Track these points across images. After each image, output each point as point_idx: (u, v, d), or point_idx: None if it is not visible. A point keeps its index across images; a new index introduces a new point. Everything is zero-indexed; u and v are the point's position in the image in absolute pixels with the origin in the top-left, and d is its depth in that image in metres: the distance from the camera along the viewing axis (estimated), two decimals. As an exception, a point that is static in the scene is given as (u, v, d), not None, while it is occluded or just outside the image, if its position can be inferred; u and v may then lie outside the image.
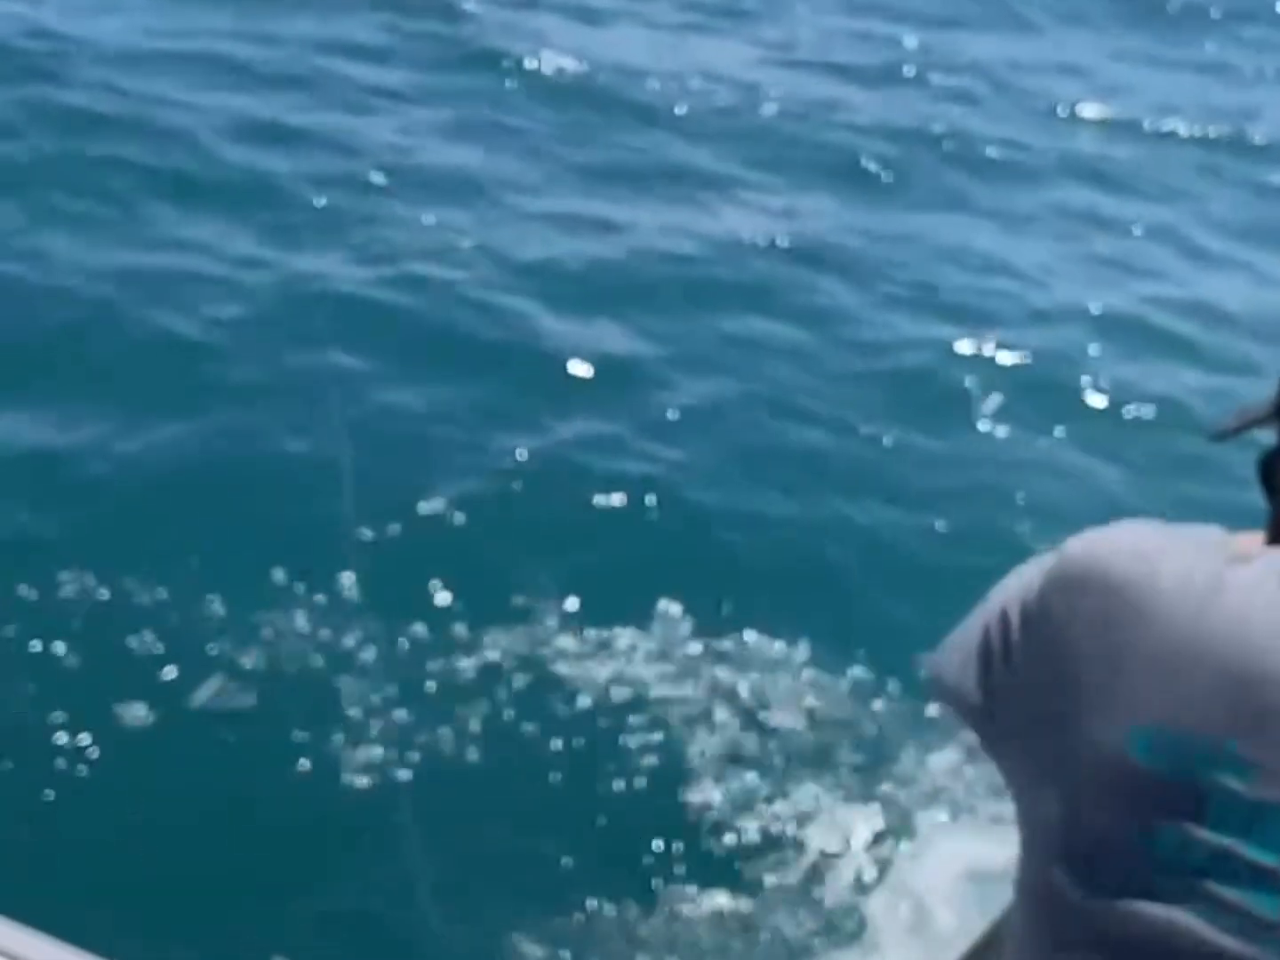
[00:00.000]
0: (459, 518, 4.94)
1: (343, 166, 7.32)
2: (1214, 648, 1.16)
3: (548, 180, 7.62)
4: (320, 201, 6.95)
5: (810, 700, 4.43)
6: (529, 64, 8.97)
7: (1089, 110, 9.67)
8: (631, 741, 4.23)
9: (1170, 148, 9.33)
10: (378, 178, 7.25)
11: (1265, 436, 1.39)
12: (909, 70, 10.10)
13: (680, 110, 8.75)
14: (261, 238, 6.52)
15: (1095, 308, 6.98)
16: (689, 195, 7.71)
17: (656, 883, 3.87)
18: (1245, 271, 7.60)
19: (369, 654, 4.38)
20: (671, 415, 5.68)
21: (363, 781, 3.99)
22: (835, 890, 3.88)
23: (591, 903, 3.79)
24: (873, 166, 8.33)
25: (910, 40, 10.67)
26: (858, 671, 4.55)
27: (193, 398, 5.42)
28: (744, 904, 3.84)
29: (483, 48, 9.17)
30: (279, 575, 4.57)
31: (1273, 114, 10.07)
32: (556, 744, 4.21)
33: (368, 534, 4.69)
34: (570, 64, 9.06)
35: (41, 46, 8.07)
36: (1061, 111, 9.65)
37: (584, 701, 4.32)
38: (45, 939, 1.61)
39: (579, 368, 5.88)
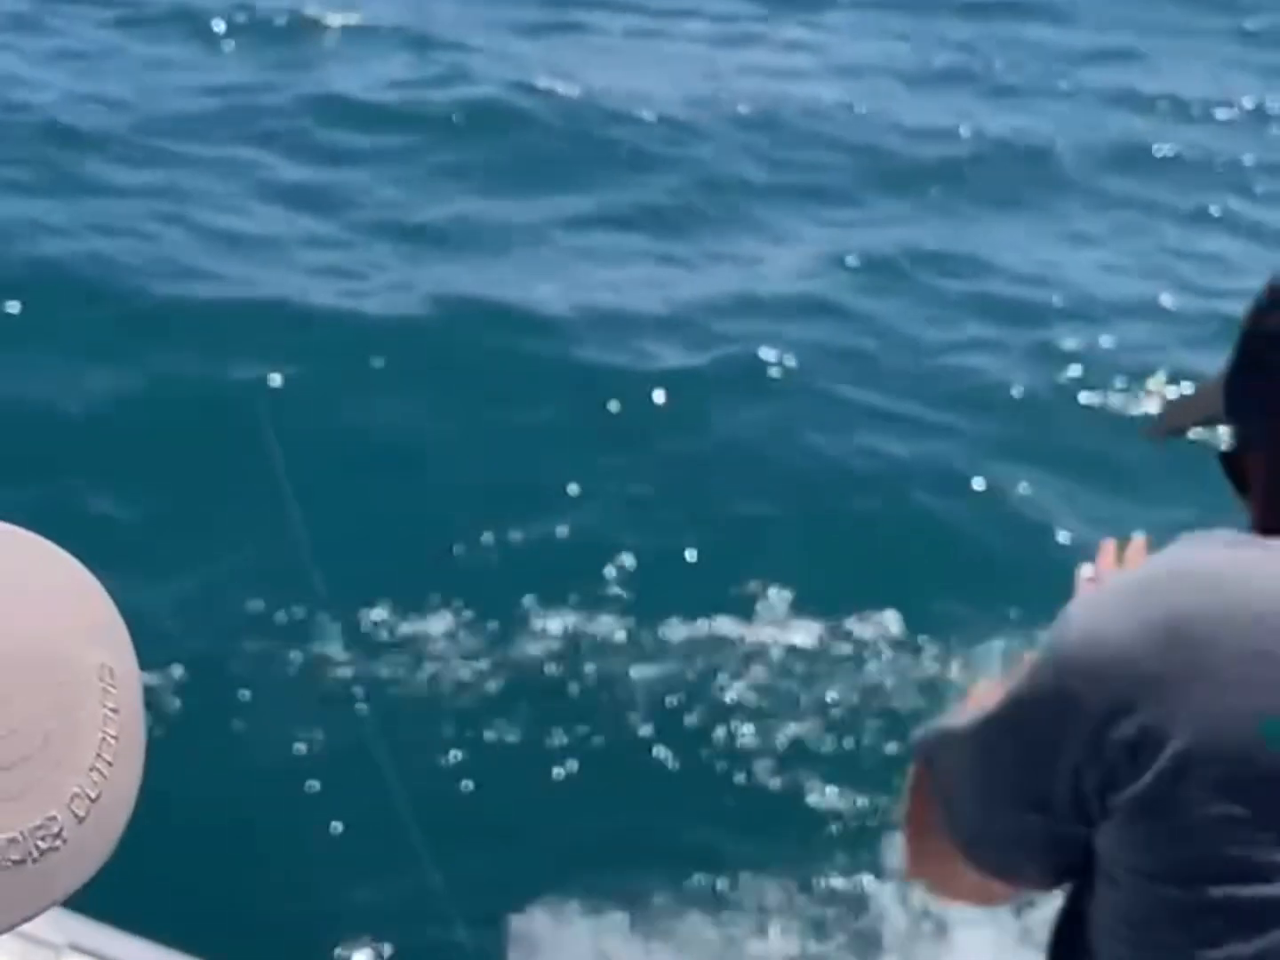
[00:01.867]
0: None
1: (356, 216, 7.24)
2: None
3: (595, 212, 7.53)
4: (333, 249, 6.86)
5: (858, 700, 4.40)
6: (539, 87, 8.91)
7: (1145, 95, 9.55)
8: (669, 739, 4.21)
9: (1235, 133, 9.16)
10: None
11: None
12: (953, 68, 9.98)
13: (722, 127, 8.66)
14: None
15: (1169, 303, 6.84)
16: (744, 216, 7.61)
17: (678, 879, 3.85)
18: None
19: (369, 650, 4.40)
20: (738, 432, 5.66)
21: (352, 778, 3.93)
22: (860, 904, 3.82)
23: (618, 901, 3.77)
24: (924, 172, 8.20)
25: (954, 34, 10.57)
26: (924, 669, 4.48)
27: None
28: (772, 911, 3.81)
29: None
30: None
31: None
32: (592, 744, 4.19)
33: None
34: (577, 90, 8.98)
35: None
36: (1120, 99, 9.51)
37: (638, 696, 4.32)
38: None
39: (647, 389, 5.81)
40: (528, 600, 4.67)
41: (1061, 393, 6.15)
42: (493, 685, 4.39)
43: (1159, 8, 11.62)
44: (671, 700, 4.39)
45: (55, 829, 0.58)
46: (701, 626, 4.64)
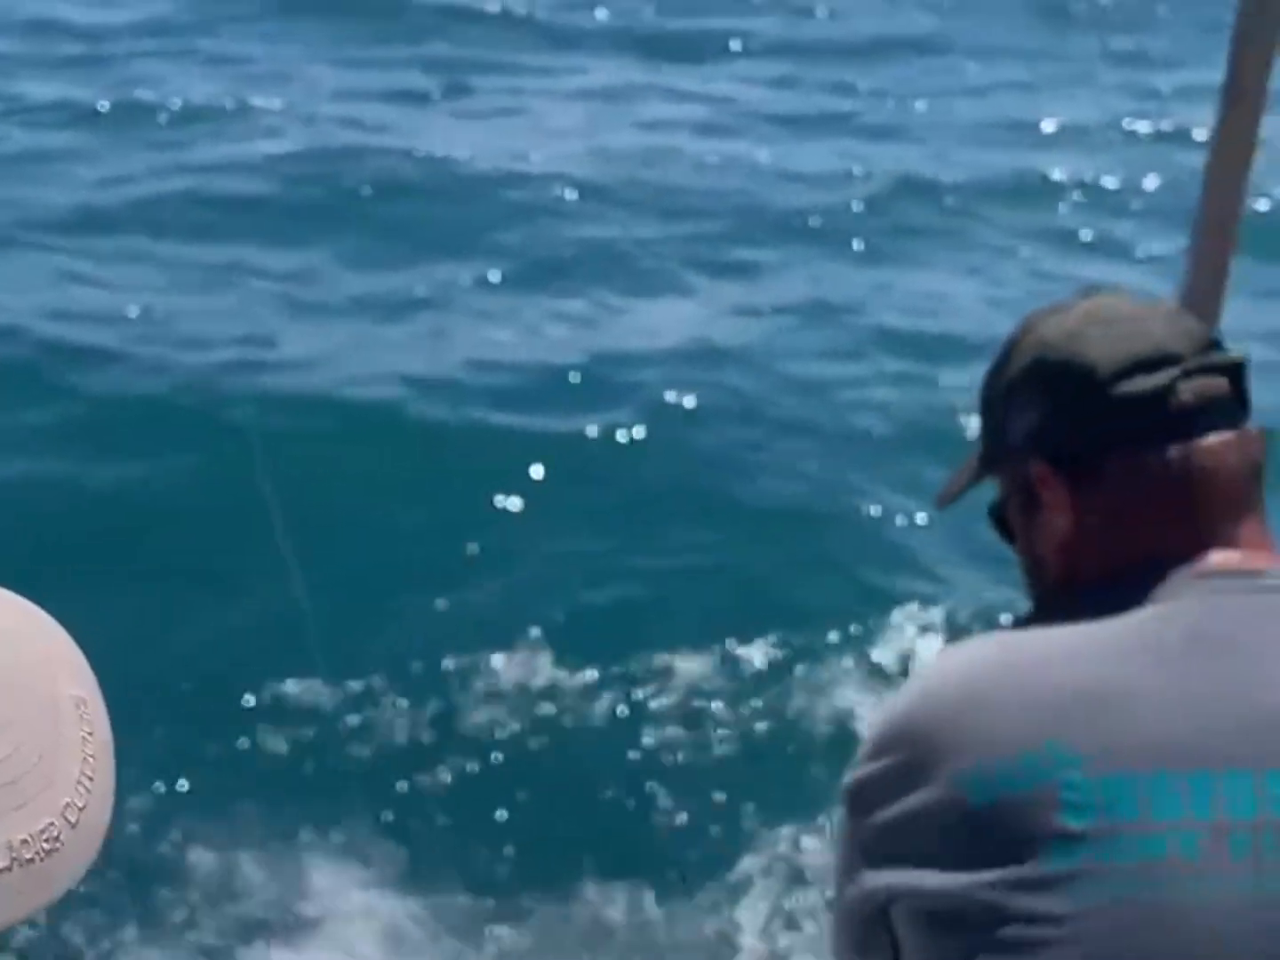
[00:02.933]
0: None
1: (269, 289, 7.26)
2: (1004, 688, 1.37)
3: (491, 275, 7.59)
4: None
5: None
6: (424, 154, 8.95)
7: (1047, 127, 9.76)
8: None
9: (1108, 156, 9.41)
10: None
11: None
12: (839, 110, 10.16)
13: (618, 187, 8.76)
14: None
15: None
16: (638, 269, 7.71)
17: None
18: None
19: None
20: (668, 494, 5.73)
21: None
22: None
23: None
24: (825, 220, 8.32)
25: (837, 76, 10.76)
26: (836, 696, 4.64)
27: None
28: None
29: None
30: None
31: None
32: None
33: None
34: (464, 154, 9.06)
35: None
36: (1016, 132, 9.72)
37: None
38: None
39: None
40: (462, 657, 4.77)
41: (957, 424, 6.27)
42: (441, 734, 4.51)
43: (1029, 36, 11.94)
44: (612, 747, 4.49)
45: (55, 833, 0.67)
46: (636, 665, 4.77)
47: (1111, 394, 1.45)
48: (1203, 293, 1.90)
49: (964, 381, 6.38)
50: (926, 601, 5.04)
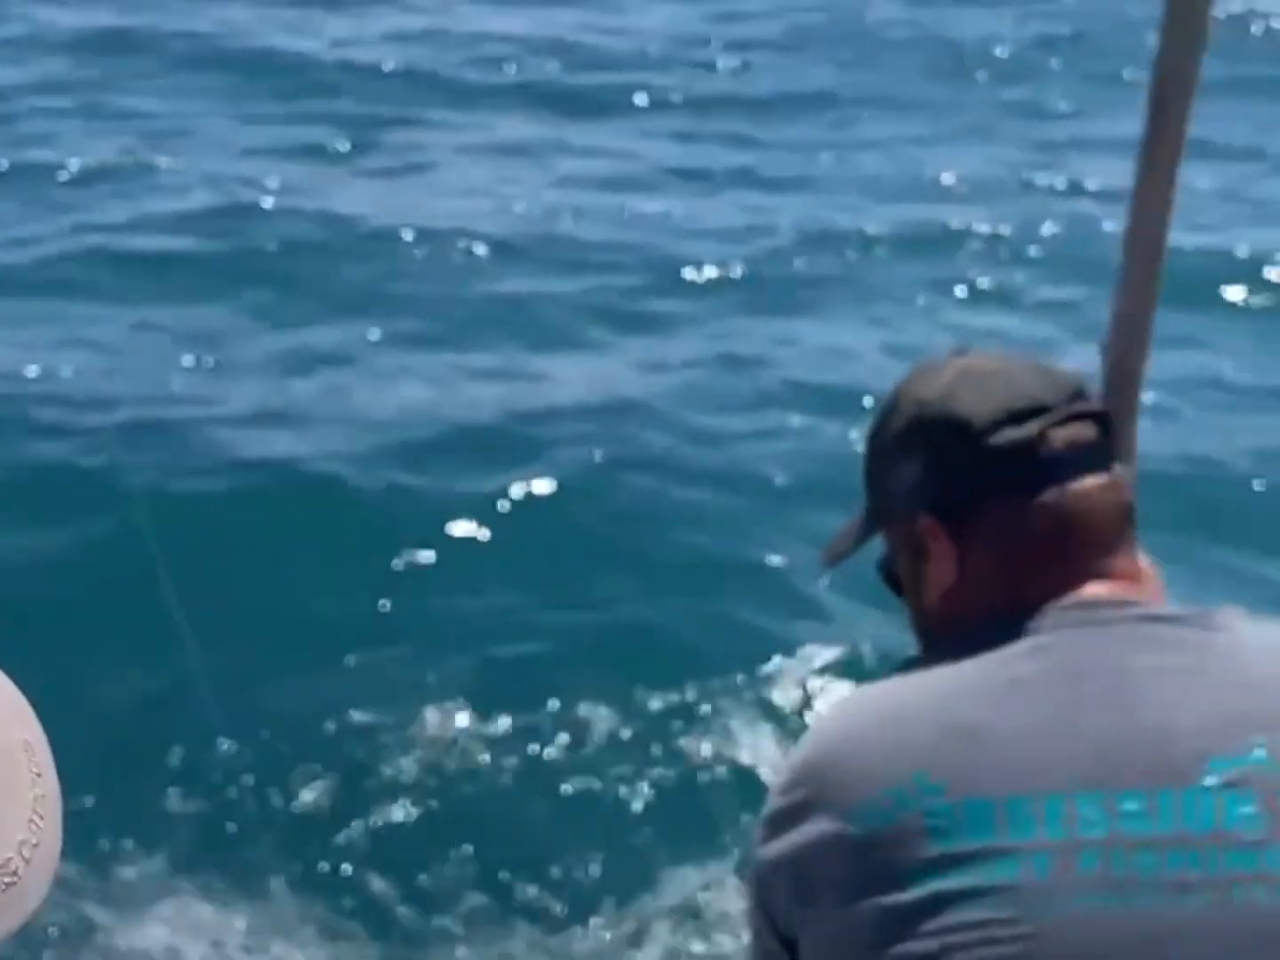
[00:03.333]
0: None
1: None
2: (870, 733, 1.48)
3: (409, 335, 7.56)
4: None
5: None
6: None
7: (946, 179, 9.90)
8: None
9: (1003, 205, 9.56)
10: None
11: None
12: (743, 165, 10.24)
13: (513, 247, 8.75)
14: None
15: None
16: (549, 328, 7.72)
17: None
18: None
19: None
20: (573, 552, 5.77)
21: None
22: None
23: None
24: (722, 272, 8.38)
25: (740, 132, 10.85)
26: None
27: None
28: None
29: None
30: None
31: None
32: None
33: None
34: (371, 214, 9.02)
35: None
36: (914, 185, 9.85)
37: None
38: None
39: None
40: (371, 713, 4.79)
41: (859, 475, 6.31)
42: (349, 791, 4.53)
43: (927, 89, 12.14)
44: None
45: (12, 868, 0.70)
46: (545, 717, 4.82)
47: (987, 445, 1.53)
48: (1126, 345, 1.94)
49: (860, 436, 6.43)
50: (827, 648, 5.10)
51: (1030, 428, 1.53)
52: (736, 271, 8.49)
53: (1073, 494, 1.52)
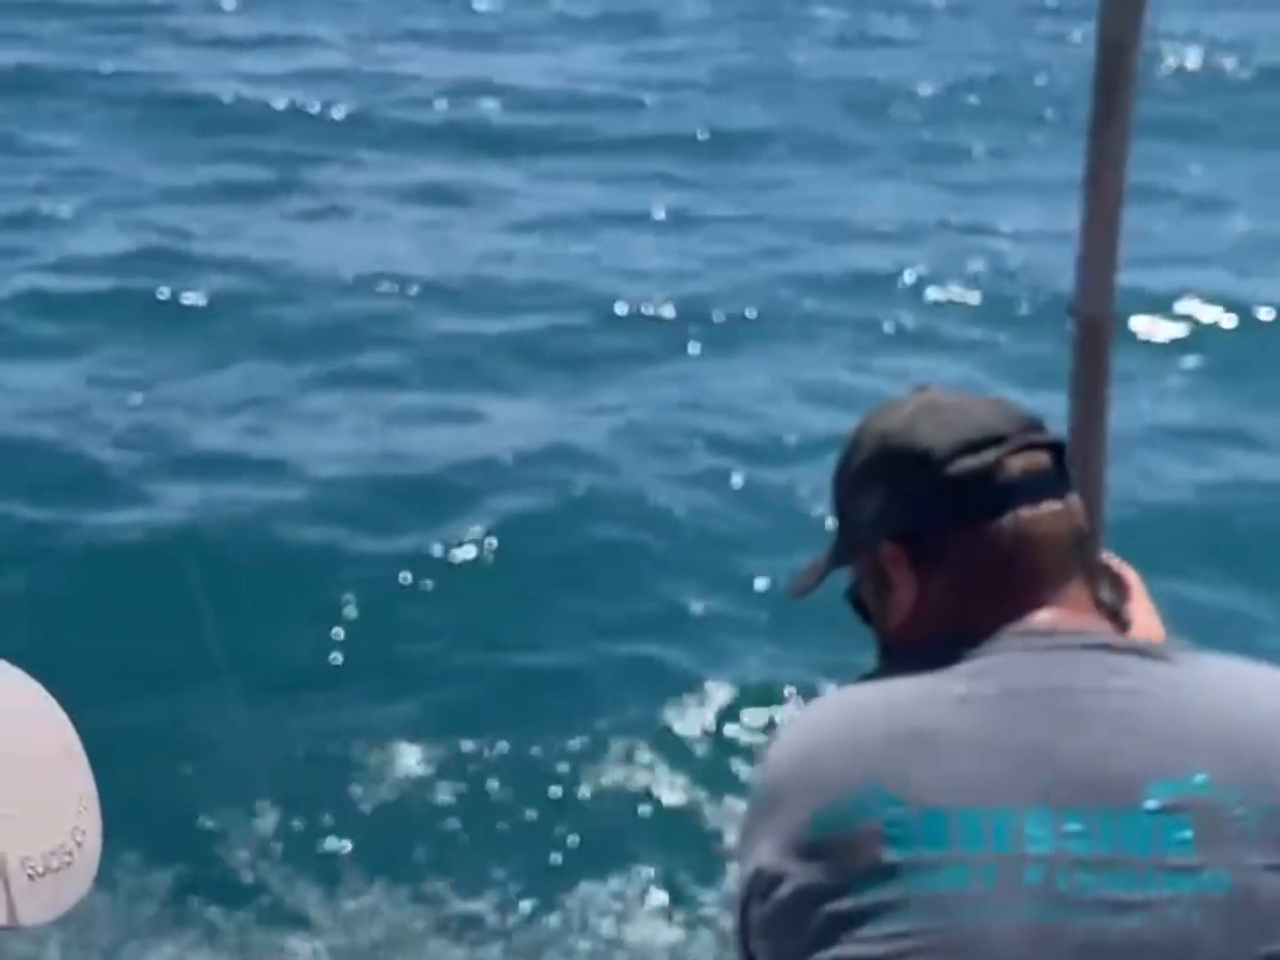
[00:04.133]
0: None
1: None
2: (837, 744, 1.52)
3: (333, 380, 7.51)
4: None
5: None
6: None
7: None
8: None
9: (949, 245, 9.63)
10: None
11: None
12: (676, 209, 10.28)
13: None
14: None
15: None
16: (485, 374, 7.68)
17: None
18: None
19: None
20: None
21: None
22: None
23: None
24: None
25: (671, 174, 10.87)
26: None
27: None
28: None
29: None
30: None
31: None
32: None
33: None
34: (298, 254, 8.96)
35: None
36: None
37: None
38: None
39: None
40: (294, 772, 4.78)
41: (786, 519, 6.32)
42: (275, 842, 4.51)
43: (848, 130, 12.28)
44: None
45: (67, 850, 0.81)
46: (476, 762, 4.88)
47: (945, 474, 1.60)
48: (1094, 308, 2.05)
49: (789, 478, 6.55)
50: (747, 688, 5.18)
51: (987, 456, 1.60)
52: (665, 313, 8.54)
53: (1027, 519, 1.59)
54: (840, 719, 1.56)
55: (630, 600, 5.77)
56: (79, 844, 0.82)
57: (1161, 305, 8.58)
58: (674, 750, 4.91)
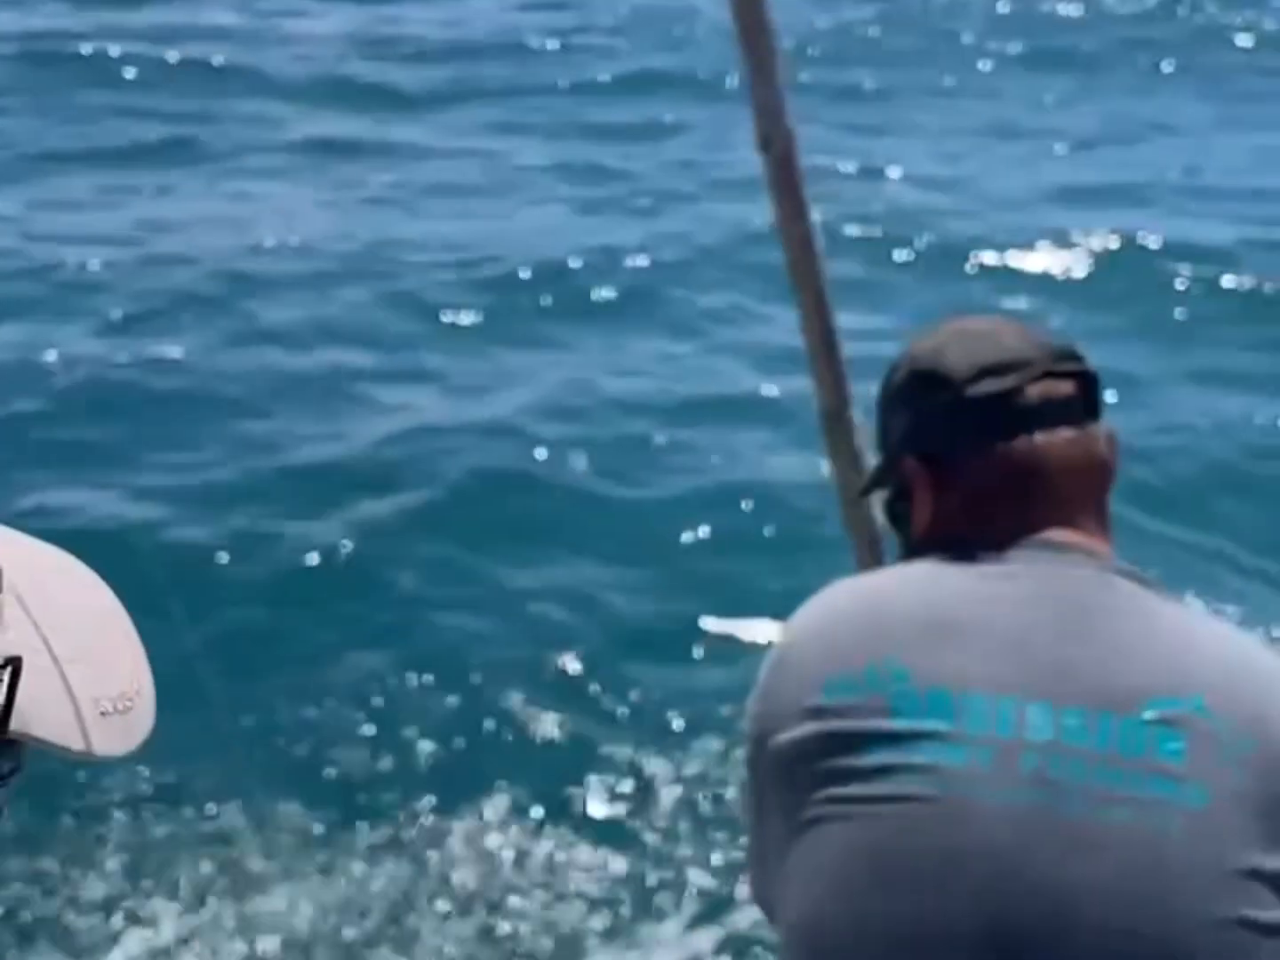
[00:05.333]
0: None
1: None
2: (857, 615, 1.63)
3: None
4: None
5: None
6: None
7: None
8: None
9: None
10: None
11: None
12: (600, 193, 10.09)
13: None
14: None
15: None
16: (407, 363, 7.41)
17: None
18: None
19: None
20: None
21: None
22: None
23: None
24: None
25: (593, 155, 10.69)
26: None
27: None
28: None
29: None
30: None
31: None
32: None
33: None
34: (182, 216, 8.64)
35: None
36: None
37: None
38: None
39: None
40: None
41: (705, 487, 6.27)
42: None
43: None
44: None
45: (131, 694, 0.91)
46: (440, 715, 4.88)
47: (964, 396, 1.68)
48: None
49: (695, 437, 6.37)
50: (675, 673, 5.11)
51: (1007, 380, 1.67)
52: (572, 271, 8.37)
53: (1042, 444, 1.66)
54: (859, 598, 1.66)
55: (548, 568, 5.70)
56: (138, 692, 0.91)
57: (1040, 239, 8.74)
58: (614, 734, 4.85)
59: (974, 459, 1.68)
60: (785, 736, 1.57)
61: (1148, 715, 1.48)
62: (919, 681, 1.52)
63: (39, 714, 0.83)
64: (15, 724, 0.81)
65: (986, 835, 1.45)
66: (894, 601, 1.61)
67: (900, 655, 1.55)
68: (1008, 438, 1.66)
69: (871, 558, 2.41)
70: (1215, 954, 1.41)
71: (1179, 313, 8.09)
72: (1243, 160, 10.48)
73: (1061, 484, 1.66)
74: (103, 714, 0.87)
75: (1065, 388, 1.69)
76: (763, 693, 1.64)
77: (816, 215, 2.26)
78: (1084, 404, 1.70)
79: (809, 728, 1.56)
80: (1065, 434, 1.67)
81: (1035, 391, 1.67)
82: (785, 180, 2.15)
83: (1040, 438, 1.66)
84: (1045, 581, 1.59)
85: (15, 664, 0.81)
